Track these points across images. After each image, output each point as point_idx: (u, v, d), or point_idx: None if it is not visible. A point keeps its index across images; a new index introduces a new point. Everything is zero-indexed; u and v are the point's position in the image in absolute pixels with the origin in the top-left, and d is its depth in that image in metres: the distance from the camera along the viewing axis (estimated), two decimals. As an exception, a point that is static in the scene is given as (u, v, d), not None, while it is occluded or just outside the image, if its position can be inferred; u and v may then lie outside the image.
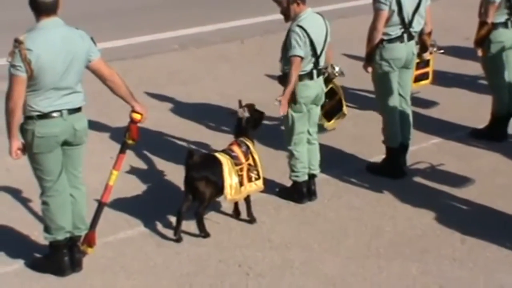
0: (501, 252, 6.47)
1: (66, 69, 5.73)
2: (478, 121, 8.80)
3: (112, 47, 10.64)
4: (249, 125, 6.96)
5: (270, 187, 7.29)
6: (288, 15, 6.98)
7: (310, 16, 6.95)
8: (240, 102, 6.98)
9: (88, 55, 5.87)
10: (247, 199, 6.85)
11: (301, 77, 6.94)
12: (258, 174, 6.79)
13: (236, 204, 6.88)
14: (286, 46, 6.93)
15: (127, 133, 6.23)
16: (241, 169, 6.66)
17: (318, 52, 6.94)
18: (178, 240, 6.55)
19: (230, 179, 6.54)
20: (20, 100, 5.68)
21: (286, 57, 6.94)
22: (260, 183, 6.82)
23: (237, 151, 6.73)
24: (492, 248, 6.52)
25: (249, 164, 6.74)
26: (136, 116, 6.14)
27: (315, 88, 7.07)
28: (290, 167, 7.23)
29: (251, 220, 6.86)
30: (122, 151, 6.26)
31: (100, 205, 6.25)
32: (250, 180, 6.72)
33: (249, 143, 6.86)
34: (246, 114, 6.92)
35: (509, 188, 7.55)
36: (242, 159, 6.70)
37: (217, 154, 6.67)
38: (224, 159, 6.59)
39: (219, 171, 6.53)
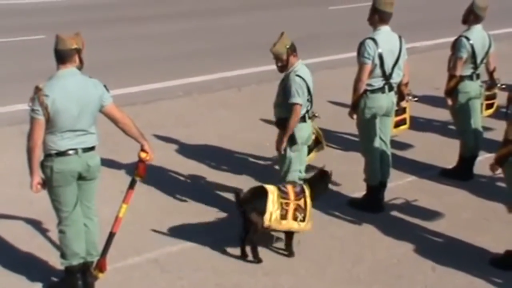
0: (467, 279, 6.46)
1: (80, 113, 5.76)
2: (447, 162, 8.80)
3: (124, 93, 10.68)
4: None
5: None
6: (284, 67, 7.02)
7: (302, 66, 7.01)
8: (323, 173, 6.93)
9: (101, 101, 5.89)
10: (290, 235, 6.71)
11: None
12: (304, 217, 6.59)
13: (243, 248, 6.69)
14: (285, 93, 6.96)
15: (135, 170, 6.25)
16: (287, 204, 6.50)
17: (312, 99, 7.02)
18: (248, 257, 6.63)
19: (272, 207, 6.45)
20: (39, 140, 5.70)
21: (286, 104, 6.97)
22: (303, 225, 6.58)
23: (290, 189, 6.61)
24: (460, 275, 6.51)
25: (298, 205, 6.56)
26: (143, 155, 6.14)
27: (308, 129, 7.12)
28: None
29: (289, 254, 6.73)
30: (131, 186, 6.25)
31: (111, 234, 6.22)
32: (295, 219, 6.53)
33: (307, 189, 6.70)
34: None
35: (474, 222, 7.54)
36: (292, 196, 6.55)
37: (266, 185, 6.60)
38: (271, 189, 6.52)
39: (265, 199, 6.46)
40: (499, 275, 6.50)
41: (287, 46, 6.91)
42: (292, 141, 7.06)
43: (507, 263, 6.64)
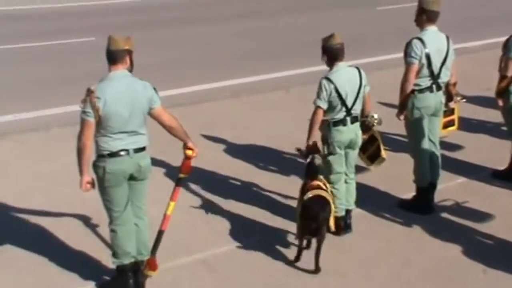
0: (521, 283, 6.39)
1: (130, 114, 5.82)
2: (499, 163, 8.71)
3: (172, 95, 10.77)
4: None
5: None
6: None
7: (342, 69, 6.94)
8: (312, 148, 6.89)
9: (150, 103, 5.95)
10: (319, 250, 6.55)
11: (334, 124, 6.95)
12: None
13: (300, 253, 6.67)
14: None
15: (181, 168, 6.31)
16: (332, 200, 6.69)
17: (348, 102, 6.90)
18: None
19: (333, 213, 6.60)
20: (88, 142, 5.78)
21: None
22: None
23: (323, 185, 6.67)
24: (512, 278, 6.45)
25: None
26: (188, 152, 6.20)
27: (348, 133, 7.05)
28: None
29: (316, 270, 6.52)
30: (177, 184, 6.33)
31: (160, 233, 6.29)
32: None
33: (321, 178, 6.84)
34: (319, 162, 6.84)
35: (528, 224, 7.45)
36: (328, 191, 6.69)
37: (326, 196, 6.53)
38: (329, 198, 6.54)
39: (329, 209, 6.49)
40: (552, 279, 6.42)
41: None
42: (326, 144, 7.04)
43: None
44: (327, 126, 6.99)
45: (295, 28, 16.44)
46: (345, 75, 6.92)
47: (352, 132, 7.05)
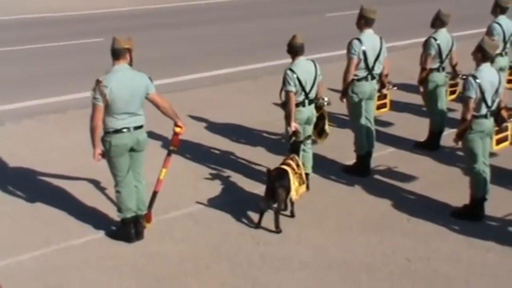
0: (434, 227, 6.50)
1: (131, 99, 5.82)
2: (420, 136, 8.77)
3: (164, 83, 10.68)
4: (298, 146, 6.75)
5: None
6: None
7: (302, 62, 6.94)
8: (294, 133, 6.76)
9: (147, 90, 5.94)
10: (277, 214, 6.33)
11: (297, 105, 6.95)
12: (303, 180, 6.49)
13: (261, 218, 6.43)
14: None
15: (171, 142, 6.29)
16: (296, 175, 6.36)
17: (307, 87, 6.91)
18: (257, 227, 6.36)
19: (294, 183, 6.29)
20: (99, 122, 5.78)
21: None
22: (304, 186, 6.55)
23: (292, 163, 6.44)
24: (429, 224, 6.54)
25: (300, 173, 6.45)
26: (177, 129, 6.18)
27: (306, 112, 7.06)
28: None
29: (278, 230, 6.31)
30: (168, 154, 6.32)
31: (154, 193, 6.31)
32: (300, 184, 6.41)
33: (298, 158, 6.61)
34: (300, 139, 6.77)
35: (440, 183, 7.55)
36: (296, 169, 6.41)
37: (285, 167, 6.31)
38: (289, 169, 6.30)
39: (288, 178, 6.25)
40: (458, 223, 6.55)
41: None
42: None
43: (464, 214, 6.66)
44: None
45: (261, 31, 16.39)
46: (304, 67, 6.92)
47: (309, 111, 7.07)
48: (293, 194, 6.33)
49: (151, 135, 7.39)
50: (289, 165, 6.41)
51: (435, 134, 8.58)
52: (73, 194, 7.15)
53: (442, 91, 8.48)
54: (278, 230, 6.31)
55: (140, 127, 6.00)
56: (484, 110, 6.36)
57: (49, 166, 7.86)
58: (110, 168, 6.06)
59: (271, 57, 12.85)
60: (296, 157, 6.62)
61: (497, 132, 6.58)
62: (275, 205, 6.31)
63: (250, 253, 5.99)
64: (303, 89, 6.90)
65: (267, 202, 6.33)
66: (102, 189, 7.25)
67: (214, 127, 9.45)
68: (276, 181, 6.23)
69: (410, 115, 9.96)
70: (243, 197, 7.12)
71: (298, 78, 6.82)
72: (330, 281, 5.58)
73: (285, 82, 6.86)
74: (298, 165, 6.51)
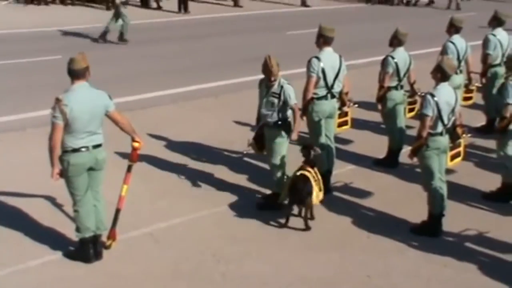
0: (393, 243, 6.63)
1: (90, 118, 5.83)
2: (379, 153, 8.94)
3: (124, 101, 10.66)
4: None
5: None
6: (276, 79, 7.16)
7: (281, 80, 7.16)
8: (308, 146, 7.15)
9: (106, 108, 5.97)
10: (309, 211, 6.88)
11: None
12: (320, 188, 6.91)
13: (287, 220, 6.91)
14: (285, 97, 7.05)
15: (130, 157, 6.31)
16: (316, 182, 6.81)
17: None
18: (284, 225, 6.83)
19: (315, 190, 6.73)
20: (58, 141, 5.78)
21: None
22: (322, 193, 6.94)
23: (312, 171, 6.88)
24: (389, 240, 6.67)
25: (318, 180, 6.90)
26: (135, 144, 6.21)
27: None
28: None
29: (307, 228, 6.83)
30: (128, 170, 6.33)
31: (117, 210, 6.30)
32: (320, 190, 6.87)
33: (315, 168, 7.02)
34: (319, 151, 7.12)
35: (399, 199, 7.70)
36: (315, 176, 6.85)
37: (307, 174, 6.77)
38: (310, 176, 6.74)
39: (311, 185, 6.70)
40: (417, 239, 6.70)
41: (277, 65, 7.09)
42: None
43: (422, 230, 6.81)
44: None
45: (223, 48, 16.47)
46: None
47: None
48: (313, 199, 6.71)
49: (110, 153, 7.36)
50: (309, 172, 6.75)
51: (394, 151, 8.75)
52: (30, 213, 7.06)
53: (401, 109, 8.66)
54: (307, 228, 6.74)
55: (99, 145, 6.01)
56: (440, 128, 6.56)
57: (6, 184, 7.74)
58: (68, 187, 6.03)
59: (232, 74, 12.96)
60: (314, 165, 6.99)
61: (451, 149, 6.77)
62: (302, 210, 6.81)
63: (211, 272, 6.01)
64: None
65: (290, 207, 6.83)
66: (60, 208, 7.18)
67: (174, 145, 9.45)
68: (303, 187, 6.62)
69: (369, 133, 10.12)
70: (204, 215, 7.15)
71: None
72: (291, 299, 5.64)
73: (291, 95, 7.02)
74: (316, 173, 6.90)
